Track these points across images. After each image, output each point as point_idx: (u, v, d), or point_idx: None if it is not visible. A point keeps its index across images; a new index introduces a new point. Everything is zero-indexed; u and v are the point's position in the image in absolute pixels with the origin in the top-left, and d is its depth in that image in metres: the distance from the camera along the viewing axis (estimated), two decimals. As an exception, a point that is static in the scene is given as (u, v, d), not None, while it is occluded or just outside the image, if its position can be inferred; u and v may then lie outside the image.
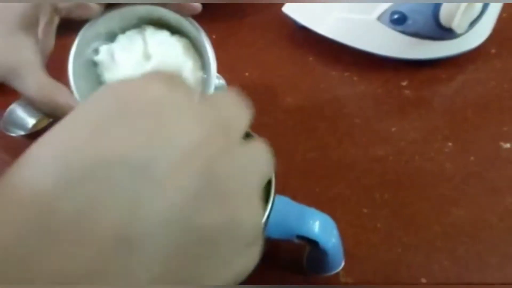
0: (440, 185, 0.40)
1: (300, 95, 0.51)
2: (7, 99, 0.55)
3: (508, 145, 0.42)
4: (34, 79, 0.28)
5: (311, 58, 0.55)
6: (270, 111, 0.50)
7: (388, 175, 0.42)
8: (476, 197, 0.39)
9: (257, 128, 0.48)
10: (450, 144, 0.43)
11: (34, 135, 0.51)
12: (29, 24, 0.28)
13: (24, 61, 0.28)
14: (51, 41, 0.31)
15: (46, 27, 0.29)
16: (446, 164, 0.42)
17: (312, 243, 0.27)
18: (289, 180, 0.43)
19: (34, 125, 0.54)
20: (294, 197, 0.41)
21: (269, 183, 0.29)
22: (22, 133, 0.52)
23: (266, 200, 0.28)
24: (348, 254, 0.35)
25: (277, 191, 0.30)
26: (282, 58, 0.57)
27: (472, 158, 0.41)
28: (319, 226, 0.27)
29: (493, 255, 0.35)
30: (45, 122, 0.53)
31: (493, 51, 0.50)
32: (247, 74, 0.55)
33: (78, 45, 0.29)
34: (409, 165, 0.42)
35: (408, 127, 0.45)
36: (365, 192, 0.41)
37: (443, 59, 0.49)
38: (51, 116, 0.29)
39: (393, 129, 0.45)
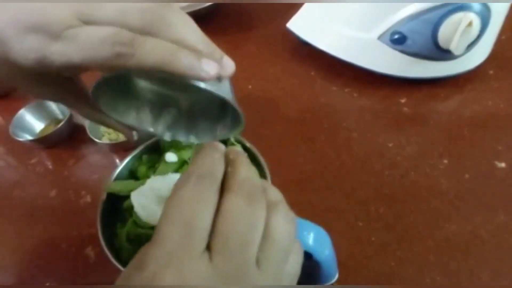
0: (435, 200, 0.41)
1: (301, 108, 0.53)
2: (16, 105, 0.57)
3: (503, 165, 0.43)
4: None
5: (312, 73, 0.57)
6: (271, 123, 0.51)
7: (383, 189, 0.43)
8: (469, 213, 0.39)
9: (257, 139, 0.49)
10: (445, 161, 0.44)
11: (41, 140, 0.53)
12: None
13: None
14: None
15: None
16: (441, 180, 0.42)
17: (306, 255, 0.28)
18: (287, 191, 0.43)
19: (42, 131, 0.56)
20: (290, 208, 0.42)
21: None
22: (29, 138, 0.54)
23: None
24: (342, 266, 0.36)
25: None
26: (285, 72, 0.58)
27: (466, 175, 0.42)
28: (313, 238, 0.28)
29: (484, 270, 0.35)
30: (52, 127, 0.54)
31: (491, 72, 0.51)
32: (250, 86, 0.57)
33: None
34: (404, 180, 0.43)
35: (404, 143, 0.46)
36: (361, 205, 0.42)
37: (442, 79, 0.50)
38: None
39: (390, 144, 0.47)
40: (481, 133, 0.46)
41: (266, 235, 0.19)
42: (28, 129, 0.55)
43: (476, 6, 0.43)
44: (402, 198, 0.41)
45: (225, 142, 0.35)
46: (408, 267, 0.37)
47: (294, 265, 0.21)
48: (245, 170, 0.21)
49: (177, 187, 0.19)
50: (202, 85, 0.20)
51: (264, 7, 0.70)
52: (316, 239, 0.28)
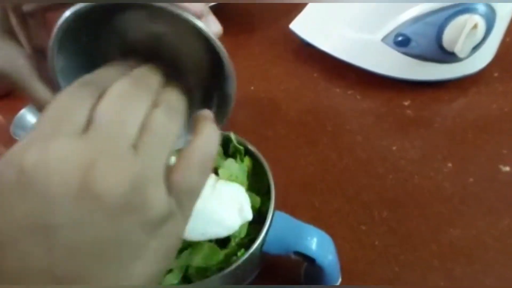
0: (438, 204, 0.41)
1: (304, 109, 0.52)
2: (17, 105, 0.57)
3: (507, 168, 0.42)
4: (32, 88, 0.27)
5: (315, 74, 0.56)
6: (273, 124, 0.51)
7: (387, 193, 0.42)
8: (473, 218, 0.39)
9: (260, 140, 0.49)
10: (449, 164, 0.44)
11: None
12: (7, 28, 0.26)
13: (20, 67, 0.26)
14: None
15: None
16: (445, 184, 0.42)
17: (309, 260, 0.28)
18: (289, 194, 0.44)
19: (43, 130, 0.56)
20: (293, 211, 0.42)
21: (268, 198, 0.30)
22: (31, 137, 0.53)
23: (265, 215, 0.29)
24: (345, 270, 0.35)
25: (277, 205, 0.31)
26: (288, 73, 0.58)
27: (471, 179, 0.42)
28: (317, 243, 0.28)
29: (489, 276, 0.35)
30: (54, 127, 0.54)
31: (495, 74, 0.51)
32: (252, 87, 0.56)
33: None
34: (408, 184, 0.43)
35: (408, 146, 0.46)
36: (364, 208, 0.41)
37: (446, 81, 0.50)
38: None
39: (394, 147, 0.46)
40: (486, 136, 0.46)
41: (144, 126, 0.18)
42: (29, 128, 0.55)
43: (481, 8, 0.42)
44: (406, 202, 0.41)
45: (228, 143, 0.35)
46: (411, 272, 0.36)
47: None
48: (145, 70, 0.20)
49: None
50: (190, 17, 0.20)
51: (267, 8, 0.70)
52: (319, 244, 0.28)
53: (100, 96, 0.18)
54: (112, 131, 0.17)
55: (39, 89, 0.26)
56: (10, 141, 0.53)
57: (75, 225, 0.15)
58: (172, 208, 0.18)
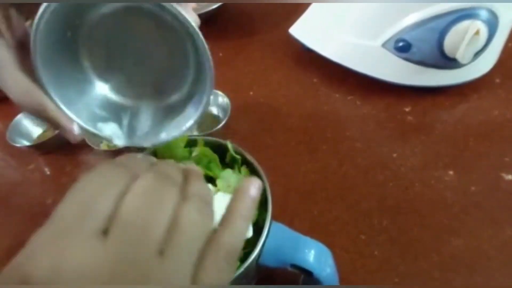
0: (440, 213, 0.40)
1: (303, 116, 0.52)
2: (14, 110, 0.56)
3: (510, 177, 0.42)
4: (12, 80, 0.25)
5: (315, 80, 0.56)
6: (273, 131, 0.51)
7: (387, 201, 0.42)
8: (475, 227, 0.38)
9: (259, 147, 0.49)
10: (451, 172, 0.43)
11: (38, 145, 0.52)
12: None
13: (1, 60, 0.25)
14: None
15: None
16: (446, 192, 0.41)
17: (307, 273, 0.27)
18: (288, 202, 0.43)
19: (39, 136, 0.55)
20: (292, 219, 0.42)
21: (265, 208, 0.29)
22: (27, 143, 0.53)
23: (261, 227, 0.28)
24: (344, 281, 0.35)
25: (275, 212, 0.30)
26: (287, 78, 0.57)
27: (472, 187, 0.41)
28: (314, 256, 0.27)
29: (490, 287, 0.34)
30: (50, 133, 0.53)
31: (497, 80, 0.50)
32: (251, 93, 0.56)
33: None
34: (408, 192, 0.42)
35: (409, 153, 0.45)
36: (364, 217, 0.41)
37: (447, 87, 0.49)
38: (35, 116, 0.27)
39: (394, 154, 0.45)
40: (488, 143, 0.45)
41: (173, 223, 0.17)
42: (25, 134, 0.54)
43: (484, 14, 0.42)
44: (406, 210, 0.40)
45: (225, 152, 0.34)
46: (412, 283, 0.36)
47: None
48: (166, 164, 0.20)
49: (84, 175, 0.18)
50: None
51: (267, 12, 0.70)
52: (317, 256, 0.28)
53: (132, 179, 0.17)
54: (137, 235, 0.16)
55: (20, 81, 0.25)
56: (6, 147, 0.52)
57: None
58: None
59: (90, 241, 0.15)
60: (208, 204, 0.19)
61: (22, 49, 0.25)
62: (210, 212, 0.19)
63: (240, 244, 0.19)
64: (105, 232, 0.16)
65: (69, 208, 0.16)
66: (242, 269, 0.26)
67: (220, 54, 0.63)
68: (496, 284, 0.35)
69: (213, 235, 0.19)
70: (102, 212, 0.16)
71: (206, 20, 0.67)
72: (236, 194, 0.21)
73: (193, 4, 0.65)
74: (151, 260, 0.15)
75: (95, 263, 0.15)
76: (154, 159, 0.21)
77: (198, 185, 0.20)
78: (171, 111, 0.29)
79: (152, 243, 0.16)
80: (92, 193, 0.17)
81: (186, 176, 0.20)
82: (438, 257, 0.37)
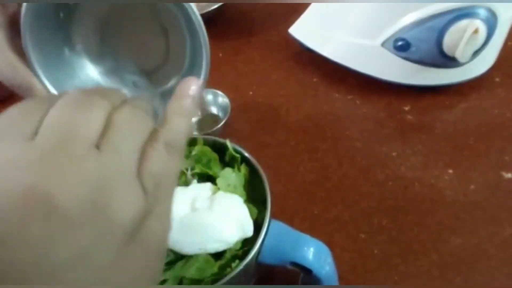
0: (439, 212, 0.40)
1: (303, 115, 0.52)
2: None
3: (509, 175, 0.42)
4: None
5: (315, 79, 0.56)
6: (272, 130, 0.51)
7: (387, 200, 0.42)
8: (475, 226, 0.38)
9: (259, 147, 0.49)
10: (450, 171, 0.43)
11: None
12: None
13: None
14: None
15: None
16: (446, 191, 0.41)
17: (306, 270, 0.27)
18: (288, 201, 0.43)
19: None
20: (291, 219, 0.42)
21: (265, 207, 0.29)
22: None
23: (261, 225, 0.28)
24: (343, 280, 0.35)
25: (275, 212, 0.30)
26: (287, 78, 0.57)
27: (472, 186, 0.41)
28: (313, 254, 0.27)
29: (491, 286, 0.34)
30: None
31: (497, 79, 0.50)
32: (251, 93, 0.56)
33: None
34: (408, 191, 0.42)
35: (409, 152, 0.45)
36: (363, 216, 0.41)
37: (447, 86, 0.49)
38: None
39: (394, 153, 0.45)
40: (487, 142, 0.45)
41: (107, 125, 0.16)
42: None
43: (482, 13, 0.42)
44: (406, 209, 0.40)
45: (224, 151, 0.34)
46: (411, 282, 0.36)
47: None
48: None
49: None
50: None
51: (266, 12, 0.70)
52: (316, 254, 0.28)
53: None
54: (66, 132, 0.15)
55: (8, 57, 0.24)
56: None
57: (24, 242, 0.13)
58: (147, 206, 0.16)
59: (18, 141, 0.14)
60: (144, 109, 0.18)
61: (13, 27, 0.24)
62: (147, 115, 0.18)
63: (181, 138, 0.19)
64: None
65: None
66: (241, 266, 0.26)
67: (220, 54, 0.63)
68: (496, 283, 0.35)
69: (152, 134, 0.18)
70: (28, 124, 0.15)
71: (206, 20, 0.67)
72: (176, 94, 0.20)
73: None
74: (83, 154, 0.14)
75: (24, 157, 0.14)
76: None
77: (134, 100, 0.19)
78: (167, 97, 0.29)
79: (84, 138, 0.15)
80: (15, 115, 0.16)
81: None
82: (438, 256, 0.37)
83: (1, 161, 0.14)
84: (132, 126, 0.17)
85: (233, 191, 0.30)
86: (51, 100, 0.17)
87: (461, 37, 0.42)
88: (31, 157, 0.14)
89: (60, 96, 0.17)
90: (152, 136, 0.17)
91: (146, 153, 0.17)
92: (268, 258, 0.27)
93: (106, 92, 0.18)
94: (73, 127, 0.15)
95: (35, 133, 0.15)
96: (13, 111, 0.16)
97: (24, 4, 0.22)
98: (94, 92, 0.17)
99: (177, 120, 0.19)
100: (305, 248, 0.27)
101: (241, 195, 0.30)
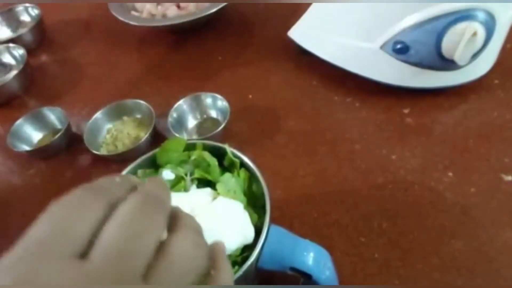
0: (440, 215, 0.40)
1: (302, 118, 0.52)
2: (14, 114, 0.56)
3: (509, 178, 0.41)
4: None
5: (314, 82, 0.56)
6: (271, 134, 0.51)
7: (387, 203, 0.41)
8: (475, 229, 0.38)
9: (257, 150, 0.49)
10: (450, 174, 0.43)
11: (39, 150, 0.52)
12: None
13: None
14: None
15: None
16: (446, 194, 0.41)
17: (306, 276, 0.27)
18: (288, 205, 0.43)
19: (39, 141, 0.55)
20: (291, 222, 0.41)
21: (264, 211, 0.29)
22: (27, 148, 0.53)
23: (260, 230, 0.28)
24: (343, 284, 0.35)
25: (275, 215, 0.30)
26: (286, 81, 0.57)
27: (472, 189, 0.41)
28: (313, 259, 0.27)
29: (492, 290, 0.34)
30: (50, 138, 0.53)
31: (496, 81, 0.50)
32: (250, 96, 0.56)
33: None
34: (408, 194, 0.42)
35: (408, 155, 0.45)
36: (363, 220, 0.41)
37: (446, 89, 0.49)
38: None
39: (393, 156, 0.45)
40: (487, 144, 0.45)
41: (162, 251, 0.16)
42: (25, 139, 0.54)
43: (481, 15, 0.42)
44: (406, 213, 0.40)
45: (223, 156, 0.34)
46: (412, 285, 0.36)
47: None
48: (153, 183, 0.19)
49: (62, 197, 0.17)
50: None
51: (265, 16, 0.70)
52: (316, 259, 0.28)
53: (111, 208, 0.16)
54: (119, 258, 0.15)
55: None
56: (6, 152, 0.52)
57: None
58: None
59: (66, 262, 0.14)
60: (201, 236, 0.19)
61: None
62: (204, 246, 0.19)
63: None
64: (82, 257, 0.15)
65: (42, 230, 0.15)
66: (241, 272, 0.25)
67: (219, 58, 0.63)
68: (497, 286, 0.34)
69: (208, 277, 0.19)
70: (79, 235, 0.15)
71: (204, 24, 0.68)
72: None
73: (192, 8, 0.66)
74: (133, 283, 0.15)
75: (71, 284, 0.14)
76: (135, 179, 0.20)
77: (189, 217, 0.20)
78: None
79: (134, 267, 0.15)
80: (68, 216, 0.16)
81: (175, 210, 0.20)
82: (439, 259, 0.37)
83: (52, 285, 0.14)
84: (189, 261, 0.17)
85: (233, 196, 0.30)
86: (111, 193, 0.17)
87: (459, 40, 0.42)
88: (80, 284, 0.14)
89: (110, 188, 0.18)
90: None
91: None
92: (267, 264, 0.27)
93: (162, 197, 0.18)
94: (129, 250, 0.15)
95: (86, 247, 0.15)
96: (70, 203, 0.16)
97: None
98: (152, 200, 0.17)
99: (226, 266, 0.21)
100: (305, 253, 0.27)
101: (241, 201, 0.30)
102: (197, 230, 0.19)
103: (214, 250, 0.21)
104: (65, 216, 0.16)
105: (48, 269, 0.14)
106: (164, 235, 0.17)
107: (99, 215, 0.16)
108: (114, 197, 0.17)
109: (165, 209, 0.18)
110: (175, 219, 0.19)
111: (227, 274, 0.20)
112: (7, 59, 0.68)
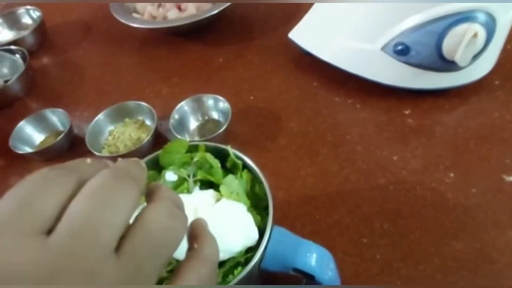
0: (441, 216, 0.40)
1: (303, 120, 0.52)
2: (16, 116, 0.57)
3: (511, 178, 0.42)
4: None
5: (315, 84, 0.56)
6: (273, 135, 0.51)
7: (388, 204, 0.42)
8: (477, 230, 0.38)
9: (259, 152, 0.49)
10: (451, 174, 0.43)
11: (41, 152, 0.52)
12: None
13: None
14: None
15: None
16: (448, 195, 0.41)
17: (309, 276, 0.27)
18: (290, 206, 0.43)
19: (42, 142, 0.55)
20: (293, 223, 0.42)
21: (266, 212, 0.29)
22: (29, 150, 0.53)
23: (263, 231, 0.28)
24: (346, 285, 0.35)
25: (277, 217, 0.30)
26: (287, 82, 0.57)
27: (473, 190, 0.41)
28: (316, 260, 0.27)
29: (494, 290, 0.34)
30: (52, 139, 0.54)
31: (496, 82, 0.50)
32: (251, 97, 0.56)
33: None
34: (410, 195, 0.42)
35: (409, 156, 0.45)
36: (365, 220, 0.41)
37: (447, 90, 0.49)
38: None
39: (395, 157, 0.46)
40: (488, 145, 0.45)
41: (135, 222, 0.16)
42: (27, 141, 0.55)
43: (481, 17, 0.42)
44: (408, 213, 0.40)
45: (226, 157, 0.34)
46: (414, 286, 0.36)
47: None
48: (127, 160, 0.19)
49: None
50: None
51: (266, 17, 0.70)
52: (318, 260, 0.28)
53: (80, 186, 0.16)
54: (86, 233, 0.14)
55: None
56: (8, 154, 0.52)
57: None
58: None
59: (28, 239, 0.14)
60: (179, 208, 0.18)
61: None
62: (181, 217, 0.18)
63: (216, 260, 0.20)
64: (47, 233, 0.15)
65: (4, 207, 0.15)
66: (244, 273, 0.26)
67: (220, 59, 0.64)
68: (499, 286, 0.35)
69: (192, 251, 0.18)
70: (44, 211, 0.15)
71: (205, 25, 0.68)
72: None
73: (192, 10, 0.66)
74: (102, 257, 0.14)
75: (33, 261, 0.14)
76: (108, 162, 0.19)
77: (168, 190, 0.19)
78: None
79: (105, 240, 0.15)
80: (33, 193, 0.15)
81: (152, 185, 0.19)
82: (440, 260, 0.37)
83: (12, 263, 0.13)
84: (168, 233, 0.17)
85: (237, 198, 0.30)
86: (80, 171, 0.17)
87: (460, 41, 0.42)
88: (44, 262, 0.14)
89: (80, 168, 0.17)
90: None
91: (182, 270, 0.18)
92: (270, 265, 0.27)
93: (137, 171, 0.18)
94: (98, 224, 0.15)
95: (53, 223, 0.15)
96: (39, 182, 0.16)
97: None
98: (125, 173, 0.17)
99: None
100: (308, 254, 0.27)
101: (244, 203, 0.30)
102: (176, 202, 0.19)
103: (195, 225, 0.20)
104: (29, 193, 0.15)
105: (7, 246, 0.14)
106: (137, 209, 0.17)
107: (66, 191, 0.16)
108: (83, 175, 0.17)
109: (137, 183, 0.17)
110: (152, 193, 0.18)
111: (211, 248, 0.19)
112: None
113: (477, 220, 0.39)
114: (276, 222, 0.30)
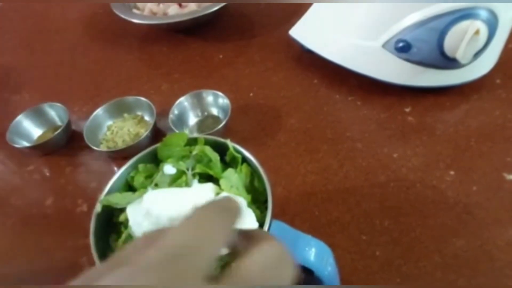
0: (442, 214, 0.40)
1: (304, 117, 0.52)
2: (13, 111, 0.56)
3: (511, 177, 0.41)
4: None
5: (316, 81, 0.56)
6: (273, 132, 0.50)
7: (388, 202, 0.41)
8: (477, 228, 0.38)
9: (260, 149, 0.48)
10: (452, 172, 0.43)
11: (38, 146, 0.52)
12: None
13: None
14: None
15: None
16: (448, 192, 0.41)
17: (308, 271, 0.27)
18: (289, 202, 0.43)
19: (39, 137, 0.55)
20: (292, 220, 0.41)
21: (266, 207, 0.29)
22: (27, 144, 0.53)
23: (262, 225, 0.28)
24: (345, 282, 0.34)
25: (276, 213, 0.30)
26: (288, 80, 0.57)
27: (474, 187, 0.41)
28: (315, 254, 0.27)
29: (494, 289, 0.34)
30: (50, 134, 0.53)
31: (498, 81, 0.50)
32: (251, 94, 0.56)
33: None
34: (410, 192, 0.42)
35: (410, 154, 0.45)
36: (365, 217, 0.40)
37: (448, 87, 0.49)
38: None
39: (395, 155, 0.45)
40: (489, 143, 0.45)
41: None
42: (25, 135, 0.54)
43: (483, 14, 0.42)
44: (408, 211, 0.40)
45: (225, 151, 0.34)
46: (414, 284, 0.35)
47: None
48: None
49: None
50: None
51: (267, 14, 0.70)
52: (318, 255, 0.27)
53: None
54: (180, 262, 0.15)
55: None
56: (5, 148, 0.52)
57: None
58: None
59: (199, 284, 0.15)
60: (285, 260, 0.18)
61: None
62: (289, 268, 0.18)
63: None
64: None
65: (179, 237, 0.16)
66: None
67: (221, 56, 0.63)
68: (499, 285, 0.34)
69: None
70: (210, 255, 0.16)
71: (206, 22, 0.67)
72: None
73: (193, 6, 0.66)
74: None
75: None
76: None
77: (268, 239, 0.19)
78: None
79: (199, 271, 0.15)
80: (205, 230, 0.16)
81: None
82: (441, 257, 0.37)
83: None
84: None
85: (237, 192, 0.29)
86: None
87: (462, 38, 0.42)
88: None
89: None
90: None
91: None
92: (269, 259, 0.27)
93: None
94: (187, 257, 0.15)
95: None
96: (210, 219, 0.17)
97: None
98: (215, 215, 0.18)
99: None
100: (307, 249, 0.27)
101: (244, 197, 0.29)
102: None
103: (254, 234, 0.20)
104: (203, 232, 0.16)
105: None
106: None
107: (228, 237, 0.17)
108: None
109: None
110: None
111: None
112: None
113: (477, 218, 0.39)
114: (275, 218, 0.29)
